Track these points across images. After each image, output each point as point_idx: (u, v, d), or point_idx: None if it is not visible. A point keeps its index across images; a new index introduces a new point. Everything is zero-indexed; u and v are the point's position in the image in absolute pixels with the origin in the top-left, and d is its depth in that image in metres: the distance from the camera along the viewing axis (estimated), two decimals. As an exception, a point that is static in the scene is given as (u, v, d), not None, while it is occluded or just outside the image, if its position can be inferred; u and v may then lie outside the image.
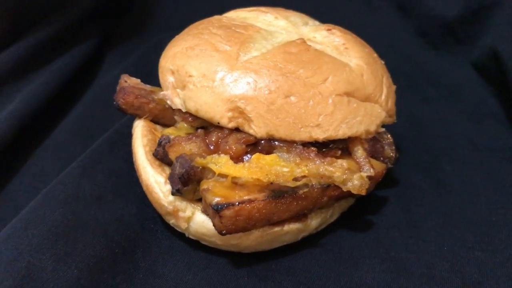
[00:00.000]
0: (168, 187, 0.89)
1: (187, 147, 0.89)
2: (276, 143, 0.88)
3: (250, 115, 0.86)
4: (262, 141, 0.88)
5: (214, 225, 0.82)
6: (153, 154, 0.94)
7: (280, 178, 0.83)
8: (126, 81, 1.02)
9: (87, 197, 0.95)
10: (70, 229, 0.88)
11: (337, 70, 0.92)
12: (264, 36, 0.98)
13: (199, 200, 0.87)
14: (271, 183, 0.84)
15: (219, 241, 0.88)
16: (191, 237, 0.92)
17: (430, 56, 1.50)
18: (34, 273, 0.79)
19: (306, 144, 0.89)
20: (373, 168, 0.91)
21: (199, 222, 0.87)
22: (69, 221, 0.89)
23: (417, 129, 1.25)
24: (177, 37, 1.03)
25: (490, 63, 1.35)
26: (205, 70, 0.89)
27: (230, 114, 0.87)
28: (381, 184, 1.04)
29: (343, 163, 0.87)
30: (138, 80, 1.04)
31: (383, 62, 1.06)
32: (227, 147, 0.87)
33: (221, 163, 0.83)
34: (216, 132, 0.90)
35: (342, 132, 0.90)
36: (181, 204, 0.88)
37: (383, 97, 0.99)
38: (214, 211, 0.80)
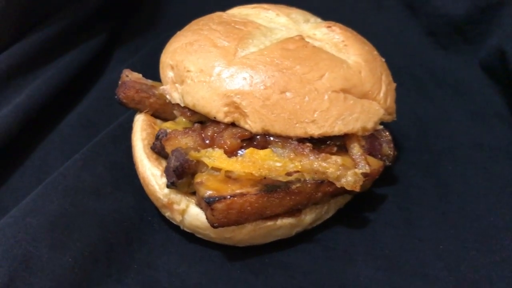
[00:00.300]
0: (164, 180, 0.90)
1: (183, 140, 0.90)
2: (272, 138, 0.89)
3: (245, 110, 0.87)
4: (258, 136, 0.89)
5: (206, 217, 0.83)
6: (151, 148, 0.96)
7: (273, 173, 0.84)
8: (127, 76, 1.04)
9: (86, 188, 0.97)
10: (68, 219, 0.90)
11: (334, 67, 0.92)
12: (263, 32, 0.98)
13: (194, 193, 0.88)
14: (265, 177, 0.84)
15: (213, 234, 0.89)
16: (186, 229, 0.93)
17: (437, 55, 1.48)
18: (30, 260, 0.82)
19: (302, 140, 0.89)
20: (368, 165, 0.91)
21: (193, 215, 0.89)
22: (67, 211, 0.91)
23: (420, 128, 1.25)
24: (178, 33, 1.04)
25: (497, 62, 1.33)
26: (203, 65, 0.91)
27: (226, 109, 0.88)
28: (380, 182, 1.04)
29: (337, 159, 0.87)
30: (140, 75, 1.05)
31: (383, 60, 1.06)
32: (222, 142, 0.88)
33: (214, 157, 0.84)
34: (212, 127, 0.91)
35: (338, 128, 0.90)
36: (176, 197, 0.89)
37: (381, 94, 0.98)
38: (206, 204, 0.81)
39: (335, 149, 0.93)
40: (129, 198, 0.99)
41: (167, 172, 0.88)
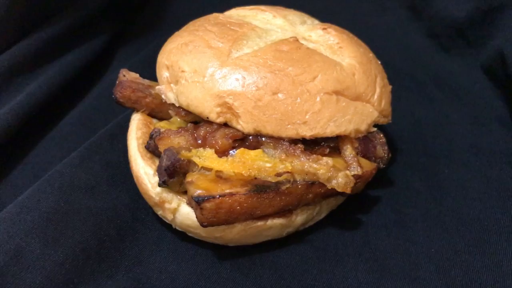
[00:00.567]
0: (157, 179, 0.91)
1: (175, 140, 0.91)
2: (264, 139, 0.90)
3: (237, 111, 0.88)
4: (250, 137, 0.89)
5: (196, 216, 0.84)
6: (145, 147, 0.97)
7: (262, 173, 0.85)
8: (124, 76, 1.05)
9: (81, 186, 0.99)
10: (62, 215, 0.92)
11: (327, 69, 0.93)
12: (258, 34, 0.99)
13: (185, 192, 0.89)
14: (255, 178, 0.85)
15: (203, 233, 0.90)
16: (177, 228, 0.94)
17: (439, 57, 1.48)
18: (21, 255, 0.84)
19: (295, 141, 0.90)
20: (360, 167, 0.91)
21: (184, 214, 0.90)
22: (61, 208, 0.93)
23: (418, 131, 1.24)
24: (175, 33, 1.06)
25: (498, 65, 1.32)
26: (197, 66, 0.92)
27: (218, 109, 0.89)
28: (375, 184, 1.04)
29: (328, 160, 0.88)
30: (137, 75, 1.06)
31: (379, 62, 1.06)
32: (214, 141, 0.89)
33: (204, 157, 0.85)
34: (205, 127, 0.92)
35: (330, 130, 0.90)
36: (167, 195, 0.91)
37: (375, 96, 0.98)
38: (196, 203, 0.82)
39: (327, 150, 0.93)
40: (124, 196, 1.01)
41: (159, 171, 0.89)
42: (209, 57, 0.92)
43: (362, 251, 0.95)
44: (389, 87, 1.05)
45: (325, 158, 0.88)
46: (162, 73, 0.99)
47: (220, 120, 0.89)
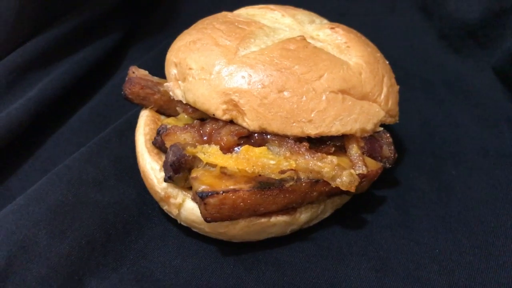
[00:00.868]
0: (163, 174, 0.92)
1: (181, 136, 0.92)
2: (269, 136, 0.90)
3: (243, 108, 0.88)
4: (255, 134, 0.90)
5: (200, 212, 0.85)
6: (152, 143, 0.98)
7: (266, 170, 0.85)
8: (133, 72, 1.07)
9: (89, 180, 1.00)
10: (69, 208, 0.93)
11: (334, 68, 0.93)
12: (266, 32, 1.00)
13: (190, 188, 0.90)
14: (259, 175, 0.86)
15: (208, 229, 0.91)
16: (182, 223, 0.95)
17: (450, 59, 1.47)
18: (28, 246, 0.85)
19: (300, 139, 0.90)
20: (366, 166, 0.92)
21: (189, 209, 0.91)
22: (69, 201, 0.95)
23: (426, 132, 1.24)
24: (185, 31, 1.07)
25: (509, 67, 1.31)
26: (204, 63, 0.93)
27: (224, 106, 0.90)
28: (381, 184, 1.04)
29: (333, 159, 0.88)
30: (146, 72, 1.08)
31: (387, 62, 1.06)
32: (219, 138, 0.89)
33: (209, 153, 0.86)
34: (211, 124, 0.92)
35: (335, 129, 0.91)
36: (173, 191, 0.92)
37: (382, 96, 0.98)
38: (200, 198, 0.83)
39: (332, 149, 0.94)
40: (131, 191, 1.02)
41: (165, 166, 0.90)
42: (216, 55, 0.93)
43: (366, 250, 0.95)
44: (397, 87, 1.05)
45: (329, 157, 0.88)
46: (171, 70, 1.00)
47: (226, 117, 0.90)
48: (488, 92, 1.35)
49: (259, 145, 0.89)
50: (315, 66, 0.92)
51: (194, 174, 0.86)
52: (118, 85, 1.36)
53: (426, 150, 1.18)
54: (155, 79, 1.07)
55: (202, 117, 0.97)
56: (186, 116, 0.99)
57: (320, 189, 0.90)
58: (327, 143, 0.94)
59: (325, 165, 0.87)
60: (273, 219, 0.91)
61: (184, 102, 0.97)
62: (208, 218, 0.84)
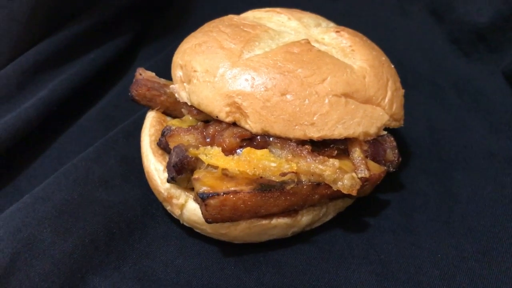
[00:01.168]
0: (166, 174, 0.93)
1: (185, 137, 0.93)
2: (271, 139, 0.91)
3: (246, 111, 0.89)
4: (258, 137, 0.91)
5: (201, 212, 0.86)
6: (157, 144, 1.00)
7: (267, 172, 0.86)
8: (141, 74, 1.08)
9: (95, 179, 1.02)
10: (74, 207, 0.95)
11: (337, 71, 0.93)
12: (271, 35, 1.00)
13: (193, 189, 0.91)
14: (261, 177, 0.86)
15: (209, 230, 0.92)
16: (185, 224, 0.96)
17: (459, 63, 1.45)
18: (33, 243, 0.87)
19: (302, 142, 0.91)
20: (368, 170, 0.92)
21: (191, 210, 0.92)
22: (74, 200, 0.97)
23: (433, 136, 1.23)
24: (191, 34, 1.08)
25: (519, 72, 1.30)
26: (208, 66, 0.94)
27: (227, 109, 0.91)
28: (385, 188, 1.04)
29: (334, 162, 0.88)
30: (153, 74, 1.09)
31: (392, 66, 1.06)
32: (221, 140, 0.90)
33: (211, 155, 0.87)
34: (214, 126, 0.93)
35: (338, 132, 0.91)
36: (175, 191, 0.93)
37: (386, 100, 0.98)
38: (201, 199, 0.84)
39: (335, 152, 0.94)
40: (136, 191, 1.04)
41: (168, 167, 0.92)
42: (220, 57, 0.94)
43: (367, 254, 0.95)
44: (402, 91, 1.05)
45: (331, 160, 0.89)
46: (176, 72, 1.02)
47: (229, 119, 0.91)
48: (498, 96, 1.34)
49: (262, 148, 0.90)
50: (318, 69, 0.92)
51: (196, 175, 0.87)
52: (127, 86, 1.36)
53: (432, 154, 1.18)
54: (162, 81, 1.08)
55: (207, 119, 0.98)
56: (191, 117, 1.00)
57: (322, 192, 0.90)
58: (330, 146, 0.95)
59: (326, 168, 0.88)
60: (274, 221, 0.91)
61: (189, 104, 0.98)
62: (208, 219, 0.85)
